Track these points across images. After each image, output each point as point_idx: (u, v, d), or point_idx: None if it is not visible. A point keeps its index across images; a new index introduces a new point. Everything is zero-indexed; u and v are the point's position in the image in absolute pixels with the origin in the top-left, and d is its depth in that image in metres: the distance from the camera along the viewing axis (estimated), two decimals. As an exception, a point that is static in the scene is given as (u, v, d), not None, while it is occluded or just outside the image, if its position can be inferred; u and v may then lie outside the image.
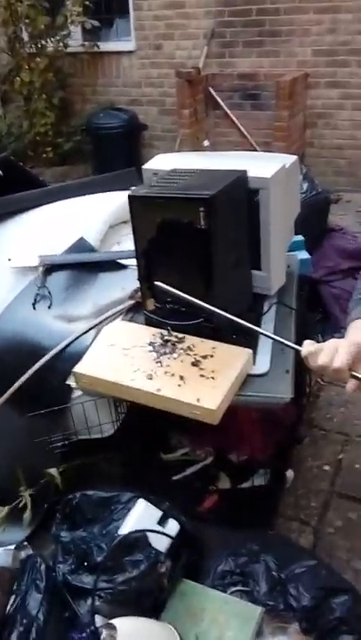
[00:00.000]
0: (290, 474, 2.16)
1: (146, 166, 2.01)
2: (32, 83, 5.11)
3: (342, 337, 2.93)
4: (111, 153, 5.20)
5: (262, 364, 1.68)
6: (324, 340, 2.97)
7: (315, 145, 4.98)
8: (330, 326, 2.93)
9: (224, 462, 2.19)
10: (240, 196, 1.75)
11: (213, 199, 1.58)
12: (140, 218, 1.69)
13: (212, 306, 1.63)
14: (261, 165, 1.85)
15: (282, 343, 1.33)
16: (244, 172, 1.76)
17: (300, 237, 2.60)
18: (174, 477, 2.16)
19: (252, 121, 4.97)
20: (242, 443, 2.06)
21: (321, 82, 4.77)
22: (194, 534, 1.75)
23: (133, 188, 2.68)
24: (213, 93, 4.95)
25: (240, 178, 1.74)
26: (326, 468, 2.25)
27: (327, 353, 1.18)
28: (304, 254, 2.60)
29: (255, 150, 4.81)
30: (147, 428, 2.14)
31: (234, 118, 4.98)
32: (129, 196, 1.68)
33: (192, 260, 1.67)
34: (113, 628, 1.40)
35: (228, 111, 4.98)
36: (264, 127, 4.91)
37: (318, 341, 3.00)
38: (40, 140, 5.28)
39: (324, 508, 2.08)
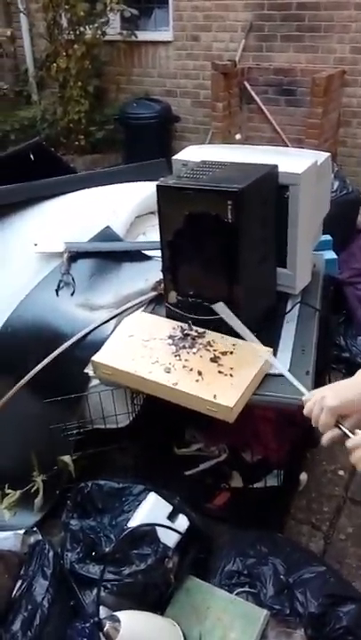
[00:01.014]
0: (303, 476, 2.13)
1: (176, 157, 1.98)
2: (68, 69, 5.10)
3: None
4: (142, 143, 5.17)
5: (282, 364, 1.64)
6: (346, 344, 2.91)
7: (348, 144, 4.88)
8: (353, 329, 2.87)
9: (237, 460, 2.17)
10: (270, 192, 1.71)
11: (242, 193, 1.54)
12: (167, 208, 1.67)
13: (236, 302, 1.61)
14: (293, 161, 1.81)
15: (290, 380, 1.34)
16: (275, 166, 1.73)
17: (327, 237, 2.56)
18: (187, 472, 2.15)
19: (285, 117, 4.89)
20: (257, 442, 2.04)
21: (358, 80, 4.66)
22: (203, 531, 1.74)
23: (162, 178, 2.67)
24: (248, 87, 4.88)
25: (270, 173, 1.71)
26: (341, 472, 2.21)
27: (313, 408, 1.17)
28: (331, 254, 2.56)
29: (287, 146, 4.74)
30: (162, 422, 2.13)
31: (267, 113, 4.91)
32: (157, 186, 1.66)
33: (217, 254, 1.64)
34: (117, 620, 1.39)
35: (263, 106, 4.91)
36: (297, 124, 4.83)
37: (341, 345, 2.93)
38: (73, 128, 5.27)
39: (336, 513, 2.05)
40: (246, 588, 1.53)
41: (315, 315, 1.90)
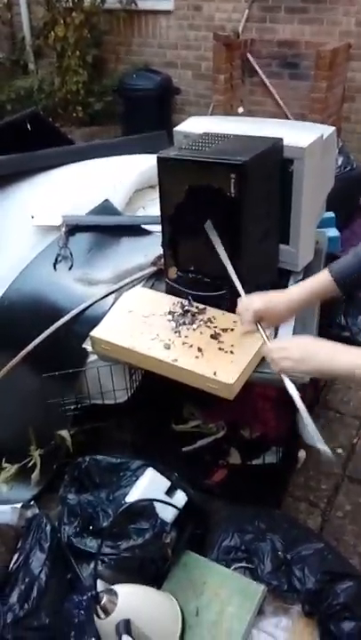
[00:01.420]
0: (302, 454, 2.13)
1: (177, 128, 1.94)
2: (66, 38, 4.97)
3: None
4: (142, 116, 5.08)
5: (266, 341, 1.63)
6: (346, 323, 2.89)
7: (351, 120, 4.79)
8: (354, 308, 2.85)
9: (236, 437, 2.17)
10: (274, 165, 1.68)
11: (245, 166, 1.51)
12: (167, 181, 1.63)
13: (237, 278, 1.58)
14: (298, 134, 1.77)
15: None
16: (280, 139, 1.69)
17: (330, 214, 2.52)
18: (184, 449, 2.15)
19: (288, 91, 4.80)
20: (255, 419, 2.03)
21: (364, 54, 4.58)
22: (201, 507, 1.74)
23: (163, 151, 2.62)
24: (251, 59, 4.77)
25: (275, 146, 1.67)
26: (339, 451, 2.21)
27: (242, 307, 1.39)
28: (334, 232, 2.52)
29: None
30: (160, 398, 2.12)
31: (270, 87, 4.81)
32: (158, 158, 1.62)
33: (219, 229, 1.61)
34: (114, 593, 1.39)
35: (265, 79, 4.80)
36: (301, 98, 4.73)
37: (341, 323, 2.91)
38: (71, 99, 5.16)
39: (334, 491, 2.05)
40: (244, 564, 1.53)
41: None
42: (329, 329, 2.52)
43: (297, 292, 1.41)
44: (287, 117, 4.81)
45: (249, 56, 4.79)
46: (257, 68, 4.81)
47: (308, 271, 1.97)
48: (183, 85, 5.29)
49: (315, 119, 4.31)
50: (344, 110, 4.79)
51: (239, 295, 1.48)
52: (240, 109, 4.73)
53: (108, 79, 5.39)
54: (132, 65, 5.43)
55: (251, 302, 1.37)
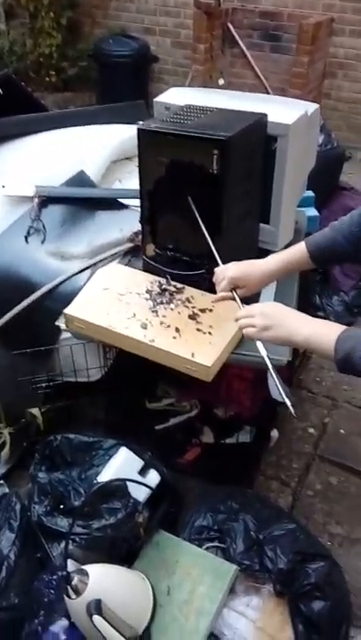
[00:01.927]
0: (275, 433, 2.14)
1: (158, 99, 1.87)
2: (40, -2, 4.78)
3: (341, 300, 2.84)
4: (118, 83, 4.93)
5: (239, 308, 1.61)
6: (321, 304, 2.90)
7: (332, 96, 4.75)
8: (329, 287, 2.86)
9: (209, 416, 2.16)
10: (257, 142, 1.63)
11: (228, 142, 1.46)
12: (148, 155, 1.58)
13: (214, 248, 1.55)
14: (282, 110, 1.73)
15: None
16: (264, 115, 1.64)
17: (310, 193, 2.48)
18: (158, 427, 2.13)
19: (269, 63, 4.71)
20: (230, 399, 2.02)
21: (346, 29, 4.49)
22: (173, 486, 1.73)
23: (142, 122, 2.54)
24: (232, 30, 4.66)
25: (259, 122, 1.62)
26: (311, 430, 2.24)
27: (218, 275, 1.40)
28: (313, 211, 2.49)
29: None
30: (134, 376, 2.09)
31: (251, 59, 4.72)
32: (138, 130, 1.56)
33: (201, 206, 1.56)
34: (85, 574, 1.38)
35: (246, 50, 4.70)
36: (281, 72, 4.66)
37: (316, 304, 2.93)
38: (43, 62, 4.97)
39: (305, 470, 2.08)
40: (216, 543, 1.54)
41: (295, 274, 1.85)
42: (304, 310, 2.52)
43: (273, 262, 1.42)
44: (267, 91, 4.74)
45: (230, 26, 4.68)
46: (238, 38, 4.71)
47: (287, 251, 1.96)
48: (161, 53, 5.16)
49: (295, 94, 4.26)
50: (325, 86, 4.74)
51: (217, 265, 1.46)
52: (221, 81, 4.63)
53: (83, 43, 5.21)
54: (108, 30, 5.25)
55: (226, 269, 1.38)
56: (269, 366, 1.22)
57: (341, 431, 2.24)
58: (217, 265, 1.44)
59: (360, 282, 2.99)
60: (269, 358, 1.23)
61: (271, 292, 1.72)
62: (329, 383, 2.47)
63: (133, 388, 2.17)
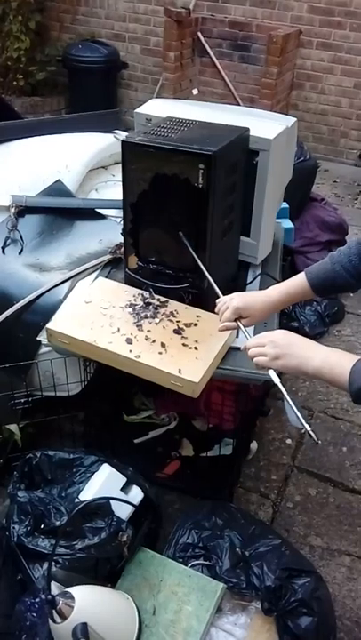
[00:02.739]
0: (253, 445, 2.15)
1: (139, 110, 1.85)
2: (8, 1, 4.67)
3: (315, 310, 2.87)
4: (87, 89, 4.90)
5: (246, 337, 1.61)
6: (295, 314, 2.92)
7: (299, 107, 4.82)
8: (302, 298, 2.89)
9: (188, 429, 2.15)
10: (240, 156, 1.64)
11: (214, 157, 1.46)
12: (132, 167, 1.56)
13: (200, 270, 1.54)
14: (263, 125, 1.74)
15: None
16: (247, 129, 1.65)
17: (284, 205, 2.51)
18: (136, 440, 2.11)
19: (238, 73, 4.75)
20: (210, 411, 2.02)
21: (313, 41, 4.58)
22: (155, 502, 1.71)
23: (117, 131, 2.52)
24: (202, 39, 4.68)
25: (242, 136, 1.63)
26: (288, 441, 2.25)
27: (222, 305, 1.41)
28: (288, 223, 2.52)
29: (238, 105, 4.62)
30: (111, 388, 2.07)
31: (220, 68, 4.75)
32: (123, 142, 1.54)
33: (184, 220, 1.56)
34: (70, 597, 1.35)
35: (216, 60, 4.73)
36: (250, 82, 4.71)
37: (290, 314, 2.94)
38: (11, 66, 4.87)
39: (284, 481, 2.08)
40: (201, 561, 1.52)
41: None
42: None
43: (275, 293, 1.43)
44: (236, 100, 4.78)
45: (200, 35, 4.70)
46: (207, 47, 4.74)
47: (266, 263, 1.97)
48: (131, 60, 5.14)
49: (264, 104, 4.31)
50: (292, 97, 4.81)
51: (204, 290, 1.45)
52: (195, 91, 4.65)
53: (52, 48, 5.14)
54: (77, 35, 5.21)
55: (231, 299, 1.38)
56: (285, 394, 1.20)
57: (318, 442, 2.25)
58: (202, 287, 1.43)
59: (331, 292, 3.03)
60: (284, 385, 1.22)
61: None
62: (305, 393, 2.49)
63: (111, 401, 2.14)
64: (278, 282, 1.90)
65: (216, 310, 1.42)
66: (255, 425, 2.22)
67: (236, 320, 1.37)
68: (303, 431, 1.24)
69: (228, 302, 1.38)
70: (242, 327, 1.36)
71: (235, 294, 1.41)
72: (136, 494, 1.63)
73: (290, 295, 1.44)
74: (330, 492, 2.05)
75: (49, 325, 1.56)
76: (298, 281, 1.43)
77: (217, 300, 1.43)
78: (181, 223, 1.57)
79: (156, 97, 4.50)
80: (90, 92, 4.88)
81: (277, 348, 1.20)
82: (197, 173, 1.47)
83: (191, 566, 1.52)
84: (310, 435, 1.16)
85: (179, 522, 1.63)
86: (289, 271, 2.61)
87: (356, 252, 1.37)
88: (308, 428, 1.17)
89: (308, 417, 2.35)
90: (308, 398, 2.46)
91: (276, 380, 1.23)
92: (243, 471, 2.09)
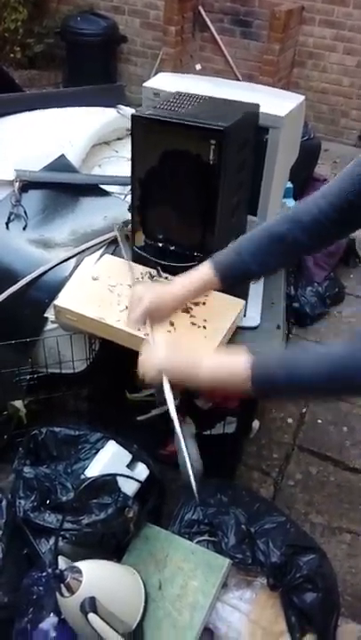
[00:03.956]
0: (255, 424, 2.16)
1: (147, 84, 1.82)
2: (4, -29, 4.59)
3: (315, 291, 2.86)
4: (85, 62, 4.81)
5: (253, 317, 1.61)
6: (296, 294, 2.92)
7: (300, 86, 4.76)
8: (303, 278, 2.88)
9: (190, 407, 2.15)
10: (250, 133, 1.62)
11: (226, 132, 1.43)
12: (142, 142, 1.53)
13: (208, 249, 1.53)
14: (273, 102, 1.71)
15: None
16: (257, 105, 1.62)
17: (289, 184, 2.49)
18: (139, 418, 2.11)
19: (239, 49, 4.68)
20: (212, 390, 2.02)
21: (316, 18, 4.50)
22: (160, 479, 1.72)
23: (120, 105, 2.48)
24: (203, 13, 4.60)
25: (252, 112, 1.61)
26: (290, 421, 2.26)
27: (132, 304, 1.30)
28: (292, 202, 2.50)
29: (239, 81, 4.56)
30: (114, 365, 2.06)
31: (221, 44, 4.67)
32: (133, 116, 1.51)
33: (193, 197, 1.54)
34: (78, 571, 1.36)
35: (216, 35, 4.66)
36: (251, 59, 4.64)
37: (291, 295, 2.93)
38: (8, 38, 4.78)
39: (285, 460, 2.10)
40: (206, 537, 1.53)
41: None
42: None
43: (180, 288, 1.31)
44: (236, 77, 4.72)
45: (201, 9, 4.61)
46: (208, 22, 4.65)
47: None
48: (130, 34, 5.04)
49: (265, 82, 4.24)
50: (293, 75, 4.75)
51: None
52: (198, 66, 4.57)
53: (50, 20, 5.04)
54: (75, 7, 5.09)
55: (143, 297, 1.26)
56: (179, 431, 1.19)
57: (319, 421, 2.27)
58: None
59: (332, 273, 3.03)
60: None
61: (259, 294, 1.72)
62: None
63: (114, 378, 2.14)
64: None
65: (128, 303, 1.32)
66: (257, 404, 2.23)
67: (146, 321, 1.27)
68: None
69: (141, 299, 1.27)
70: (150, 332, 1.27)
71: (147, 292, 1.29)
72: (141, 471, 1.64)
73: (196, 290, 1.31)
74: (330, 471, 2.07)
75: (57, 302, 1.55)
76: (205, 275, 1.28)
77: (133, 289, 1.34)
78: (190, 200, 1.55)
79: (155, 72, 4.43)
80: (88, 66, 4.79)
81: (168, 356, 1.17)
82: (209, 149, 1.45)
83: (197, 542, 1.53)
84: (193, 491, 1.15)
85: (184, 498, 1.64)
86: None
87: (263, 237, 1.27)
88: (193, 484, 1.15)
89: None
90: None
91: (171, 403, 1.19)
92: (245, 449, 2.11)
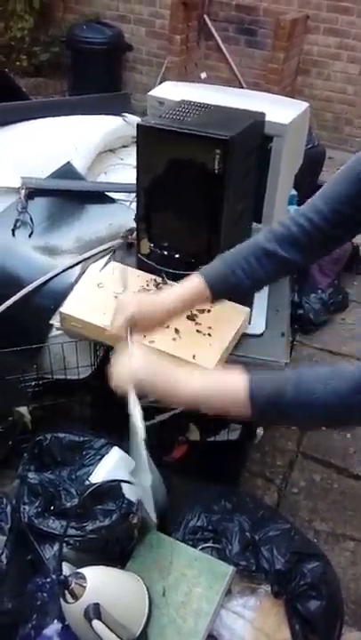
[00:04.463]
0: (260, 431, 2.16)
1: (152, 93, 1.84)
2: (11, -21, 4.63)
3: (319, 297, 2.87)
4: (90, 70, 4.84)
5: (258, 324, 1.62)
6: (300, 301, 2.93)
7: (305, 94, 4.78)
8: (307, 285, 2.89)
9: (195, 413, 2.15)
10: (256, 142, 1.63)
11: (232, 142, 1.45)
12: (147, 151, 1.55)
13: (213, 257, 1.54)
14: (277, 110, 1.73)
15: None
16: (262, 114, 1.64)
17: (293, 192, 2.50)
18: (143, 424, 2.11)
19: (244, 58, 4.71)
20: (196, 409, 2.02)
21: (320, 27, 4.53)
22: (165, 485, 1.72)
23: (126, 114, 2.50)
24: (208, 22, 4.63)
25: (258, 121, 1.62)
26: (294, 427, 2.26)
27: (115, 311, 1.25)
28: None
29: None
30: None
31: (226, 52, 4.70)
32: (139, 125, 1.52)
33: (198, 205, 1.55)
34: (82, 577, 1.36)
35: (221, 44, 4.69)
36: (256, 67, 4.67)
37: (295, 301, 2.95)
38: (14, 46, 4.83)
39: (289, 467, 2.10)
40: (211, 544, 1.53)
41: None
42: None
43: (172, 300, 1.26)
44: (241, 85, 4.74)
45: (206, 18, 4.65)
46: (213, 31, 4.69)
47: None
48: (135, 42, 5.08)
49: (270, 90, 4.27)
50: (298, 83, 4.77)
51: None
52: (203, 75, 4.60)
53: (56, 29, 5.08)
54: (81, 15, 5.14)
55: (127, 305, 1.23)
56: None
57: (323, 428, 2.27)
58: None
59: (336, 280, 3.04)
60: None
61: (264, 302, 1.72)
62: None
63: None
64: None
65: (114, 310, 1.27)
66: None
67: (127, 330, 1.22)
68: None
69: (124, 307, 1.23)
70: (130, 341, 1.21)
71: (133, 299, 1.26)
72: (146, 477, 1.64)
73: (186, 302, 1.27)
74: (334, 478, 2.07)
75: (62, 309, 1.56)
76: (196, 287, 1.25)
77: (119, 297, 1.30)
78: (195, 208, 1.56)
79: (161, 80, 4.46)
80: (93, 74, 4.82)
81: (147, 369, 1.11)
82: (213, 158, 1.46)
83: (201, 549, 1.53)
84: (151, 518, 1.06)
85: (188, 505, 1.65)
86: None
87: (253, 252, 1.25)
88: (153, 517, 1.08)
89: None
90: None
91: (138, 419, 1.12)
92: (249, 456, 2.11)
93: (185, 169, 1.51)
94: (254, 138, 1.61)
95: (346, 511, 1.97)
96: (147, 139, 1.53)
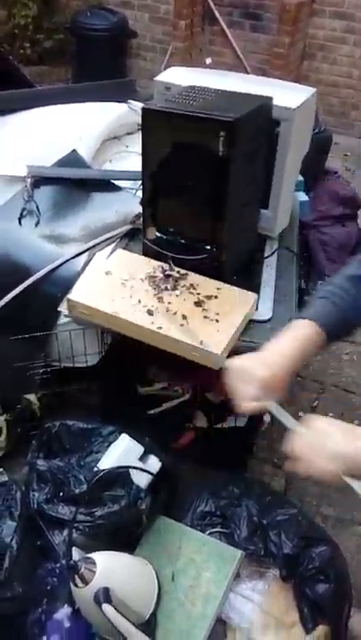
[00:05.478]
0: (267, 417, 2.16)
1: (158, 78, 1.82)
2: (14, -33, 4.60)
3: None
4: (95, 57, 4.81)
5: (265, 310, 1.61)
6: (307, 287, 2.91)
7: (310, 79, 4.73)
8: (314, 272, 2.88)
9: (202, 400, 2.16)
10: (262, 126, 1.61)
11: (237, 124, 1.44)
12: (152, 135, 1.54)
13: (220, 242, 1.54)
14: (285, 94, 1.71)
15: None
16: (270, 98, 1.62)
17: (300, 178, 2.48)
18: (151, 411, 2.12)
19: (249, 43, 4.66)
20: (222, 384, 2.03)
21: (326, 10, 4.47)
22: (172, 471, 1.73)
23: (131, 100, 2.48)
24: (212, 6, 4.58)
25: (265, 105, 1.60)
26: (301, 414, 2.25)
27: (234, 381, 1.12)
28: (303, 196, 2.49)
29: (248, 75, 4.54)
30: (127, 360, 2.07)
31: (231, 37, 4.65)
32: (143, 109, 1.52)
33: (204, 190, 1.54)
34: (92, 562, 1.37)
35: (226, 28, 4.64)
36: (261, 52, 4.62)
37: (302, 288, 2.94)
38: (18, 34, 4.80)
39: (296, 453, 2.10)
40: (219, 529, 1.54)
41: (293, 259, 1.86)
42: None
43: (289, 350, 1.14)
44: (246, 70, 4.70)
45: (210, 2, 4.60)
46: (218, 15, 4.63)
47: (283, 236, 1.95)
48: (139, 29, 5.03)
49: (275, 75, 4.23)
50: (303, 68, 4.72)
51: (223, 261, 1.35)
52: (208, 60, 4.56)
53: (59, 16, 5.04)
54: (84, 2, 5.10)
55: (252, 370, 1.09)
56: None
57: (330, 414, 2.27)
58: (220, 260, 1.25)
59: (342, 266, 3.02)
60: None
61: (271, 288, 1.72)
62: (317, 367, 2.50)
63: (126, 372, 2.15)
64: (296, 255, 1.91)
65: (229, 383, 1.13)
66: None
67: (263, 401, 1.10)
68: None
69: (249, 373, 1.10)
70: (275, 410, 1.08)
71: (255, 363, 1.10)
72: (154, 463, 1.65)
73: (305, 353, 1.16)
74: (342, 465, 2.07)
75: (70, 296, 1.56)
76: (309, 334, 1.14)
77: (227, 363, 1.16)
78: (201, 193, 1.56)
79: (165, 66, 4.42)
80: (98, 61, 4.79)
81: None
82: (218, 141, 1.45)
83: (209, 534, 1.54)
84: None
85: (196, 491, 1.65)
86: (303, 246, 2.61)
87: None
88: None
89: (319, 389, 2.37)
90: (319, 372, 2.47)
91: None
92: (256, 442, 2.11)
93: (190, 152, 1.50)
94: (261, 121, 1.60)
95: (353, 497, 1.96)
96: (152, 122, 1.53)
